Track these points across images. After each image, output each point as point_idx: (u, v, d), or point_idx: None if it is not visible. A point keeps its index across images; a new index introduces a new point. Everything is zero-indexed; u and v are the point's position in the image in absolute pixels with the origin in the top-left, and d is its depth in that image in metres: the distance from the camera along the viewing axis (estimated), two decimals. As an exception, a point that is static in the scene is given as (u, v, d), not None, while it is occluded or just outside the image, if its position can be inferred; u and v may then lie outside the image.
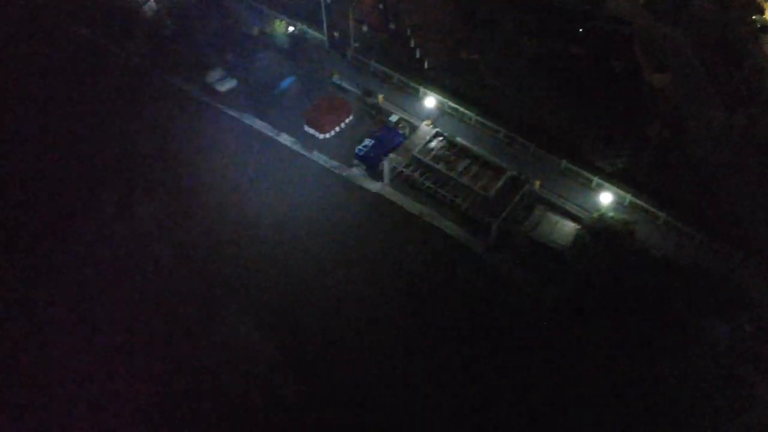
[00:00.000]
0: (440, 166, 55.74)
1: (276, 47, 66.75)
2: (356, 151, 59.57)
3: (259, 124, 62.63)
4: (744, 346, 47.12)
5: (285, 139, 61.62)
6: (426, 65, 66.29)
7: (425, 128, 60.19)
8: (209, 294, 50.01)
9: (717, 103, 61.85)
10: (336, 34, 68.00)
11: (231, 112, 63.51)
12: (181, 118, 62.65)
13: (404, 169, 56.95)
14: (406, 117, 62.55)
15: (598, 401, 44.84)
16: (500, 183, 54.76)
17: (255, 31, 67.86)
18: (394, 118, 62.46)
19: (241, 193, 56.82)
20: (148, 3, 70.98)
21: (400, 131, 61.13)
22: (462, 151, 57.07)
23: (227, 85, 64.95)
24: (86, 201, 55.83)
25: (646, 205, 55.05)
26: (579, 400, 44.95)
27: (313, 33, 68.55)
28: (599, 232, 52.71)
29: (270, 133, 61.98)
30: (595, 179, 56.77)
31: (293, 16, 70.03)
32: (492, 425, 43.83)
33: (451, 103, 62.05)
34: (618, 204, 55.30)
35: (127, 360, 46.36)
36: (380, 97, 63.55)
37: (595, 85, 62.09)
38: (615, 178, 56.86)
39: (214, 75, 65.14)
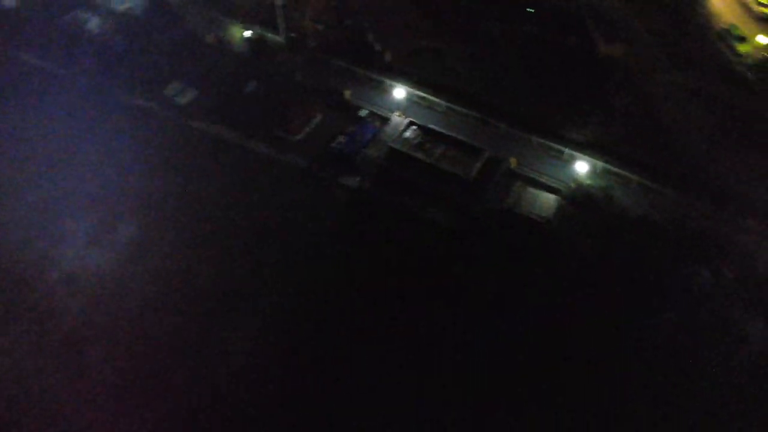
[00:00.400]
0: (419, 154, 56.08)
1: (234, 53, 65.49)
2: (331, 148, 59.30)
3: (226, 133, 61.32)
4: (728, 290, 49.80)
5: (255, 144, 60.55)
6: (387, 57, 66.60)
7: (397, 119, 60.55)
8: (205, 306, 48.81)
9: (669, 67, 64.99)
10: (293, 35, 67.45)
11: (195, 124, 61.90)
12: (143, 135, 60.68)
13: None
14: (374, 110, 62.80)
15: (596, 359, 45.94)
16: (479, 164, 55.63)
17: (211, 38, 66.34)
18: (363, 112, 62.57)
19: (218, 203, 55.56)
20: (92, 21, 68.20)
21: (371, 125, 61.30)
22: (437, 138, 57.61)
23: (188, 97, 63.33)
24: (60, 229, 53.41)
25: (618, 170, 57.31)
26: (578, 359, 45.96)
27: (270, 36, 67.66)
28: (579, 200, 54.56)
29: (239, 140, 60.78)
30: (566, 150, 58.62)
31: (248, 21, 68.91)
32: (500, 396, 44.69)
33: (418, 92, 62.65)
34: (592, 172, 57.29)
35: (124, 380, 44.60)
36: (347, 92, 63.46)
37: (554, 62, 64.05)
38: (585, 148, 58.86)
39: (173, 87, 63.36)
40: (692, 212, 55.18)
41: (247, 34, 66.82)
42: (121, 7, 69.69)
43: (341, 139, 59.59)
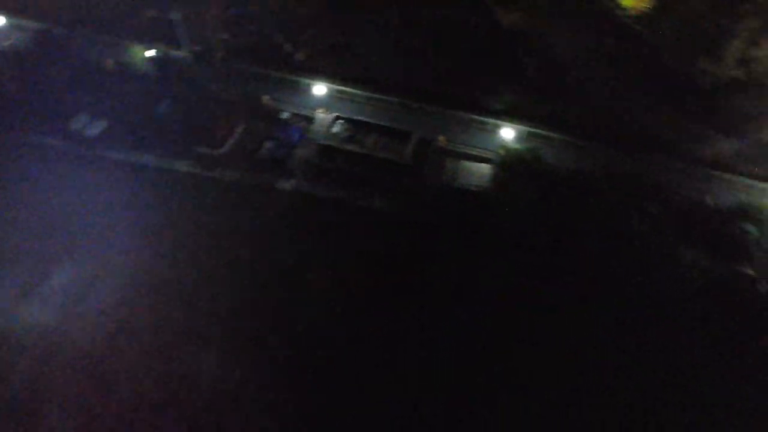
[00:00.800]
0: (351, 147, 56.15)
1: (139, 75, 62.49)
2: (259, 155, 58.13)
3: (146, 158, 58.47)
4: (658, 226, 53.65)
5: (180, 165, 58.20)
6: (299, 57, 66.03)
7: (322, 116, 60.25)
8: (164, 340, 46.53)
9: (566, 29, 68.60)
10: (197, 48, 65.34)
11: (111, 154, 58.54)
12: (54, 174, 56.58)
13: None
14: (296, 111, 62.10)
15: (558, 332, 47.52)
16: (411, 147, 56.48)
17: (110, 64, 62.91)
18: (285, 115, 61.67)
19: (152, 231, 52.99)
20: (-28, 63, 62.85)
21: (295, 126, 60.59)
22: (366, 128, 57.92)
23: (97, 128, 59.72)
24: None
25: (540, 131, 60.12)
26: (541, 335, 47.50)
27: (174, 52, 65.12)
28: (511, 165, 56.73)
29: (161, 164, 58.17)
30: (490, 120, 60.76)
31: (148, 40, 65.91)
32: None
33: (337, 87, 62.62)
34: (517, 137, 59.72)
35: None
36: (264, 97, 62.31)
37: (460, 39, 66.05)
38: (506, 116, 61.27)
39: (79, 120, 59.53)
40: (613, 159, 59.01)
41: (150, 53, 63.89)
42: (5, 45, 64.68)
43: (268, 144, 58.57)
